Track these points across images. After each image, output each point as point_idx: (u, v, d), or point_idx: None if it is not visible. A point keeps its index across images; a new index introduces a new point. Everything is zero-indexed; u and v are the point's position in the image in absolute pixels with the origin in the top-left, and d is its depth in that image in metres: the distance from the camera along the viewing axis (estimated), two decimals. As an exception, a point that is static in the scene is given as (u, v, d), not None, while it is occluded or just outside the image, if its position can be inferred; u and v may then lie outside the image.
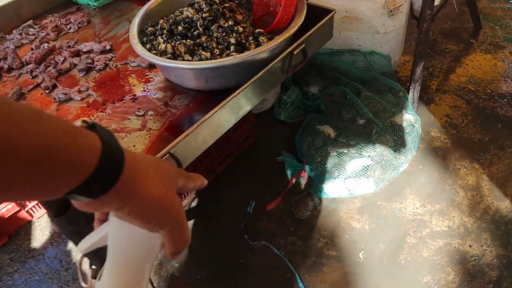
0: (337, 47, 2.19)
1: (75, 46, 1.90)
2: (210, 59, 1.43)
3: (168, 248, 0.53)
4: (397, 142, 1.91)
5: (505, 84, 2.30)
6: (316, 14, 1.70)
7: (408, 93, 2.09)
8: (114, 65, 1.75)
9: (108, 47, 1.85)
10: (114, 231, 0.53)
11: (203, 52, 1.43)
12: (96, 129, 0.47)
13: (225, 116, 1.39)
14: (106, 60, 1.77)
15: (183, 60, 1.43)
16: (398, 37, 2.14)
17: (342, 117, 2.00)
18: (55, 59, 1.85)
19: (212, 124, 1.35)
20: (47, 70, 1.78)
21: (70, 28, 2.01)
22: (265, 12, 1.73)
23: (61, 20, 2.04)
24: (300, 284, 1.59)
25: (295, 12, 1.57)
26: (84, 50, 1.88)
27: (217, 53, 1.44)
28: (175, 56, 1.46)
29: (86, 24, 2.03)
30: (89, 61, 1.78)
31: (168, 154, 1.23)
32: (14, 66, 1.86)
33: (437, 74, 2.42)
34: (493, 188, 1.84)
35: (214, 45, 1.46)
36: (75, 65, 1.78)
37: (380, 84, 2.12)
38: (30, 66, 1.85)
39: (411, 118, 2.01)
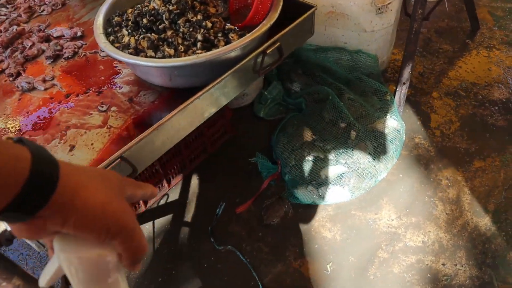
0: (322, 43, 2.08)
1: (45, 31, 1.80)
2: (174, 56, 1.33)
3: (125, 258, 0.50)
4: (378, 149, 1.82)
5: (498, 91, 2.19)
6: (297, 9, 1.59)
7: (394, 95, 1.98)
8: (83, 53, 1.65)
9: (79, 34, 1.76)
10: (63, 257, 0.49)
11: (166, 49, 1.33)
12: (24, 142, 0.44)
13: (186, 119, 1.30)
14: (75, 48, 1.67)
15: (146, 56, 1.34)
16: (387, 36, 2.03)
17: (323, 118, 1.90)
18: (23, 43, 1.75)
19: (170, 127, 1.26)
20: (14, 55, 1.69)
21: (43, 10, 1.91)
22: (242, 4, 1.62)
23: (35, 0, 1.94)
24: (263, 295, 1.54)
25: (271, 7, 1.46)
26: (54, 36, 1.78)
27: (182, 50, 1.34)
28: (137, 51, 1.36)
29: (60, 6, 1.93)
30: (58, 47, 1.69)
31: (120, 159, 1.16)
32: (-19, 49, 1.77)
33: (427, 76, 2.31)
34: (474, 203, 1.75)
35: (180, 41, 1.35)
36: (43, 51, 1.69)
37: (365, 85, 2.02)
38: (-3, 50, 1.76)
39: (395, 124, 1.91)
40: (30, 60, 1.66)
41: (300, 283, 1.57)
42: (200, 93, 1.27)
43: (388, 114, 1.94)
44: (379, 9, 1.85)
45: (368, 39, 1.98)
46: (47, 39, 1.76)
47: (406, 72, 1.94)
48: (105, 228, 0.46)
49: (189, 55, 1.33)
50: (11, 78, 1.59)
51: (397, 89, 1.96)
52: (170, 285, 1.61)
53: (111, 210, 0.47)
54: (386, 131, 1.87)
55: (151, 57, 1.34)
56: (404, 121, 2.03)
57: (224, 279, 1.60)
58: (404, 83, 1.96)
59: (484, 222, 1.69)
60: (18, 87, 1.53)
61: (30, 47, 1.71)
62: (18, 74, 1.60)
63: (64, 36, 1.76)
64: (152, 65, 1.25)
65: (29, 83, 1.54)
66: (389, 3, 1.85)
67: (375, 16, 1.88)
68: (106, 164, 1.11)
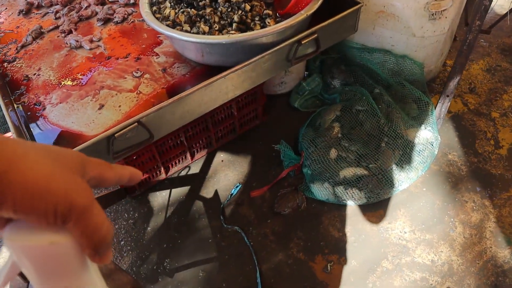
0: (369, 43, 2.03)
1: (104, -6, 1.90)
2: (208, 34, 1.37)
3: (84, 245, 0.41)
4: (403, 158, 1.77)
5: (553, 120, 2.05)
6: (344, 3, 1.57)
7: (436, 107, 1.91)
8: (132, 20, 1.74)
9: (132, 1, 1.84)
10: (12, 248, 0.42)
11: (202, 25, 1.37)
12: None
13: (209, 96, 1.34)
14: (125, 14, 1.76)
15: (181, 29, 1.38)
16: (437, 44, 1.94)
17: (354, 116, 1.87)
18: (81, 3, 1.87)
19: (192, 101, 1.31)
20: (70, 14, 1.80)
21: (106, -27, 2.00)
22: (289, -8, 1.62)
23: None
24: (258, 280, 1.56)
25: (315, -3, 1.45)
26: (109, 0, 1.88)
27: (217, 28, 1.37)
28: (174, 24, 1.41)
29: (124, -29, 2.01)
30: (110, 11, 1.78)
31: (137, 123, 1.22)
32: (43, 4, 1.90)
33: (478, 92, 2.20)
34: (497, 232, 1.68)
35: (216, 19, 1.39)
36: (97, 13, 1.79)
37: (406, 91, 1.96)
38: (57, 7, 1.88)
39: (429, 136, 1.84)
40: (83, 20, 1.77)
41: (297, 276, 1.58)
42: (226, 72, 1.31)
43: (424, 124, 1.87)
44: (433, 15, 1.77)
45: (417, 45, 1.91)
46: (102, 2, 1.86)
47: (452, 85, 1.86)
48: (52, 208, 0.37)
49: (222, 34, 1.36)
50: (63, 35, 1.70)
51: (440, 101, 1.89)
52: (172, 252, 1.68)
53: (57, 186, 0.38)
54: (417, 141, 1.82)
55: (186, 31, 1.38)
56: (442, 135, 1.96)
57: (225, 257, 1.64)
58: (447, 96, 1.88)
59: (504, 254, 1.62)
60: (67, 44, 1.64)
61: (86, 8, 1.82)
62: (70, 32, 1.71)
63: (118, 1, 1.85)
64: (182, 39, 1.29)
65: (77, 41, 1.64)
66: (444, 10, 1.78)
67: (427, 21, 1.81)
68: (124, 125, 1.17)
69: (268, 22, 1.41)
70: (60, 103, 1.39)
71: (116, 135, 1.18)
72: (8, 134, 2.03)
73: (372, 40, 2.01)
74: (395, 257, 1.61)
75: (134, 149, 1.27)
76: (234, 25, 1.38)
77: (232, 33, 1.34)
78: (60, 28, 1.73)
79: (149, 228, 1.75)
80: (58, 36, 1.70)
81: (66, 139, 1.27)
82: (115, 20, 1.73)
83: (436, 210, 1.74)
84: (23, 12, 1.84)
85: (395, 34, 1.91)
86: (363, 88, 1.93)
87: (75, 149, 1.10)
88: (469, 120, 2.08)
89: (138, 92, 1.42)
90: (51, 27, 1.74)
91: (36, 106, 1.38)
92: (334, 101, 2.01)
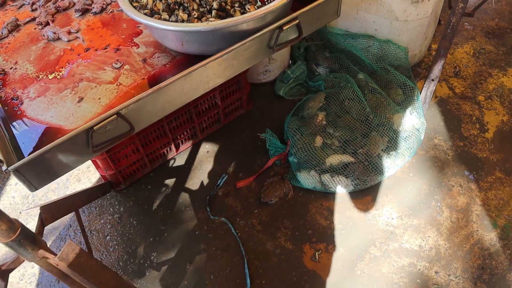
0: (353, 28, 2.02)
1: (81, -16, 1.85)
2: (187, 22, 1.34)
3: None
4: (390, 144, 1.77)
5: (537, 102, 2.06)
6: (328, -12, 1.55)
7: (421, 92, 1.91)
8: (110, 10, 1.70)
9: (110, -10, 1.80)
10: None
11: (180, 13, 1.34)
12: None
13: (190, 85, 1.31)
14: (104, 4, 1.72)
15: (160, 18, 1.35)
16: (421, 28, 1.93)
17: (339, 104, 1.86)
18: (58, -6, 1.81)
19: (172, 91, 1.28)
20: (47, 5, 1.76)
21: (84, -38, 1.96)
22: (270, -23, 1.60)
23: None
24: (246, 271, 1.55)
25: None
26: (88, -11, 1.84)
27: (195, 16, 1.35)
28: (152, 12, 1.38)
29: (102, -40, 1.96)
30: (88, 2, 1.74)
31: (116, 115, 1.19)
32: (19, -5, 1.84)
33: (463, 75, 2.20)
34: (483, 215, 1.69)
35: (195, 6, 1.36)
36: (74, 4, 1.75)
37: (391, 77, 1.95)
38: (34, -3, 1.82)
39: (415, 122, 1.84)
40: (60, 11, 1.72)
41: (285, 265, 1.58)
42: (206, 61, 1.28)
43: (410, 110, 1.87)
44: (416, -2, 1.76)
45: (400, 29, 1.90)
46: (81, -9, 1.82)
47: (437, 69, 1.85)
48: None
49: (201, 22, 1.34)
50: (40, 27, 1.66)
51: (425, 85, 1.88)
52: (159, 245, 1.67)
53: None
54: (403, 127, 1.81)
55: (164, 19, 1.35)
56: (427, 120, 1.96)
57: (212, 249, 1.63)
58: (433, 80, 1.87)
59: (490, 236, 1.63)
60: (45, 36, 1.60)
61: (63, -1, 1.77)
62: (47, 24, 1.67)
63: (97, -10, 1.80)
64: (160, 27, 1.26)
65: (54, 33, 1.60)
66: (427, -6, 1.76)
67: (410, 5, 1.80)
68: (103, 117, 1.15)
69: (248, 8, 1.38)
70: (38, 97, 1.35)
71: (95, 128, 1.15)
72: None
73: (355, 25, 1.99)
74: (383, 243, 1.62)
75: (115, 142, 1.24)
76: (214, 12, 1.36)
77: (211, 20, 1.32)
78: (37, 20, 1.68)
79: (135, 222, 1.73)
80: (35, 29, 1.66)
81: (44, 133, 1.24)
82: (94, 10, 1.69)
83: (423, 195, 1.75)
84: (-2, 4, 1.80)
85: (378, 18, 1.89)
86: (347, 75, 1.91)
87: (53, 143, 1.07)
88: (454, 104, 2.08)
89: (118, 83, 1.39)
90: (27, 19, 1.69)
91: (13, 101, 1.35)
92: (319, 88, 2.00)
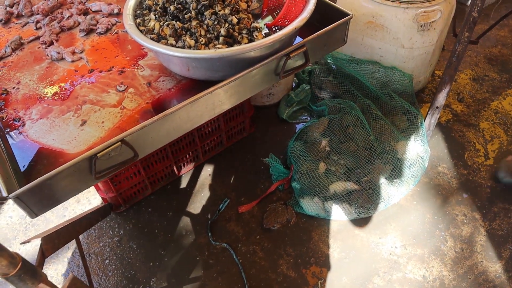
0: (358, 54, 2.02)
1: (85, 4, 1.86)
2: (194, 47, 1.33)
3: None
4: (394, 173, 1.76)
5: (541, 131, 2.06)
6: (333, 15, 1.55)
7: (425, 119, 1.90)
8: (115, 31, 1.69)
9: (116, 11, 1.80)
10: None
11: (187, 39, 1.33)
12: None
13: (195, 112, 1.30)
14: (109, 25, 1.71)
15: (166, 43, 1.34)
16: (426, 55, 1.94)
17: (343, 130, 1.85)
18: (62, 13, 1.81)
19: (178, 118, 1.27)
20: (51, 24, 1.75)
21: (89, -18, 1.96)
22: (277, 4, 1.60)
23: (82, -28, 1.98)
24: (248, 299, 1.53)
25: (303, 10, 1.43)
26: (92, 9, 1.84)
27: (203, 42, 1.33)
28: (159, 37, 1.37)
29: (106, -19, 1.97)
30: (93, 22, 1.73)
31: (120, 142, 1.17)
32: (24, 14, 1.85)
33: (466, 102, 2.20)
34: (487, 245, 1.66)
35: (203, 33, 1.35)
36: (79, 23, 1.74)
37: (395, 103, 1.94)
38: (38, 16, 1.82)
39: (419, 150, 1.83)
40: (65, 31, 1.72)
41: (287, 294, 1.55)
42: (212, 88, 1.27)
43: (414, 137, 1.86)
44: (421, 26, 1.77)
45: (406, 56, 1.90)
46: (85, 12, 1.81)
47: (441, 97, 1.85)
48: None
49: (209, 48, 1.33)
50: (44, 46, 1.65)
51: (429, 113, 1.88)
52: (159, 270, 1.63)
53: None
54: (407, 155, 1.80)
55: (171, 45, 1.34)
56: (431, 146, 1.95)
57: (213, 275, 1.60)
58: (437, 107, 1.87)
59: (495, 268, 1.60)
60: (48, 55, 1.59)
61: (68, 18, 1.77)
62: (51, 43, 1.66)
63: (101, 11, 1.80)
64: (167, 53, 1.25)
65: (58, 53, 1.59)
66: (433, 21, 1.77)
67: (416, 33, 1.80)
68: (107, 144, 1.13)
69: (256, 36, 1.37)
70: (41, 118, 1.33)
71: (98, 155, 1.13)
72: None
73: (361, 51, 1.99)
74: (387, 273, 1.59)
75: (118, 168, 1.22)
76: (221, 38, 1.35)
77: (218, 47, 1.31)
78: (41, 39, 1.67)
79: (134, 246, 1.70)
80: (38, 48, 1.64)
81: (46, 157, 1.22)
82: (98, 31, 1.68)
83: (426, 224, 1.72)
84: (2, 22, 1.78)
85: (384, 45, 1.90)
86: (351, 102, 1.91)
87: (56, 170, 1.05)
88: (458, 131, 2.07)
89: (122, 107, 1.38)
90: (31, 38, 1.68)
91: (15, 122, 1.33)
92: (322, 113, 1.99)
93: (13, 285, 0.86)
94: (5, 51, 1.61)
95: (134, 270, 1.64)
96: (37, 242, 1.75)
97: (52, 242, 1.11)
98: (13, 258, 0.82)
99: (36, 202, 1.09)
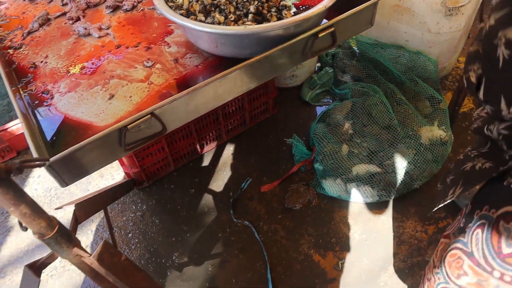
0: (383, 37, 1.97)
1: (112, -20, 1.84)
2: (223, 24, 1.32)
3: None
4: (416, 157, 1.73)
5: None
6: (362, -3, 1.53)
7: (449, 105, 1.87)
8: (141, 8, 1.68)
9: (143, -12, 1.79)
10: None
11: (217, 15, 1.31)
12: None
13: (223, 88, 1.29)
14: (135, 1, 1.70)
15: (195, 19, 1.33)
16: (453, 41, 1.89)
17: (366, 114, 1.83)
18: (89, -10, 1.81)
19: (206, 93, 1.26)
20: (77, 0, 1.75)
21: (118, -42, 1.94)
22: (308, -17, 1.57)
23: None
24: (268, 276, 1.52)
25: (333, -10, 1.40)
26: (118, -14, 1.82)
27: (232, 19, 1.31)
28: (188, 13, 1.36)
29: (136, -44, 1.95)
30: (120, -1, 1.73)
31: (150, 115, 1.18)
32: (49, -10, 1.84)
33: (491, 91, 2.15)
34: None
35: (232, 9, 1.33)
36: (105, 0, 1.74)
37: (419, 89, 1.91)
38: (64, -8, 1.82)
39: (443, 135, 1.80)
40: (91, 7, 1.71)
41: (308, 273, 1.53)
42: (241, 65, 1.26)
43: (437, 123, 1.83)
44: (449, 10, 1.72)
45: (431, 41, 1.86)
46: (111, -11, 1.81)
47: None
48: None
49: (238, 25, 1.32)
50: (70, 22, 1.64)
51: (453, 99, 1.84)
52: (181, 245, 1.63)
53: None
54: (430, 140, 1.77)
55: (200, 21, 1.33)
56: (455, 133, 1.91)
57: (235, 252, 1.60)
58: (461, 94, 1.84)
59: (516, 254, 1.58)
60: (75, 31, 1.58)
61: (93, -5, 1.77)
62: (77, 19, 1.65)
63: (127, -12, 1.79)
64: (198, 29, 1.23)
65: (85, 28, 1.58)
66: (461, 6, 1.72)
67: (443, 17, 1.75)
68: (137, 117, 1.13)
69: (285, 14, 1.35)
70: (69, 92, 1.33)
71: (128, 126, 1.13)
72: (15, 122, 1.99)
73: (386, 35, 1.95)
74: (407, 256, 1.57)
75: (146, 141, 1.22)
76: (250, 15, 1.33)
77: (248, 24, 1.30)
78: (68, 15, 1.67)
79: (157, 221, 1.71)
80: (65, 23, 1.64)
81: (75, 129, 1.22)
82: (124, 7, 1.67)
83: (450, 209, 1.68)
84: (29, -2, 1.79)
85: (410, 29, 1.85)
86: (375, 86, 1.88)
87: (87, 140, 1.06)
88: (481, 118, 2.03)
89: (150, 82, 1.37)
90: (58, 14, 1.67)
91: (44, 95, 1.33)
92: (345, 96, 1.96)
93: (49, 247, 0.87)
94: (33, 26, 1.61)
95: (157, 244, 1.65)
96: (63, 214, 1.78)
97: (84, 210, 1.12)
98: (51, 221, 0.82)
99: (67, 172, 1.09)
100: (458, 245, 0.85)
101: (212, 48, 1.37)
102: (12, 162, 0.67)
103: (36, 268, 0.91)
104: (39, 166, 0.67)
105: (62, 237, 0.86)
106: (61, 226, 0.86)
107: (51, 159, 1.01)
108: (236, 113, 1.85)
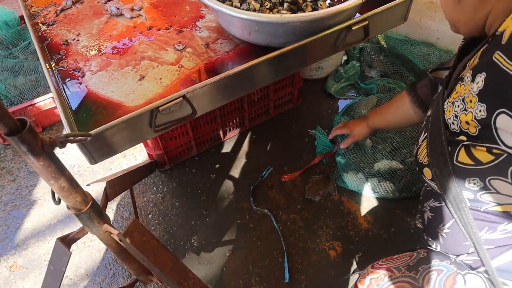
0: (413, 34, 1.94)
1: (145, -39, 1.83)
2: (258, 11, 1.31)
3: None
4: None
5: None
6: (398, -7, 1.50)
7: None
8: (174, -10, 1.68)
9: (176, -29, 1.77)
10: None
11: (253, 2, 1.30)
12: None
13: (255, 76, 1.28)
14: (167, -16, 1.70)
15: (231, 4, 1.33)
16: (485, 41, 1.85)
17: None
18: (122, -31, 1.80)
19: (237, 80, 1.25)
20: (110, -21, 1.75)
21: None
22: (343, -26, 1.55)
23: None
24: (286, 264, 1.53)
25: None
26: (151, -32, 1.81)
27: (268, 6, 1.30)
28: (223, -2, 1.35)
29: None
30: (153, -20, 1.72)
31: (182, 97, 1.18)
32: (82, -30, 1.84)
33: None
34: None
35: (268, -3, 1.33)
36: (138, -19, 1.73)
37: (447, 87, 1.88)
38: (96, -28, 1.81)
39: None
40: (124, -13, 1.71)
41: (324, 264, 1.52)
42: (276, 52, 1.25)
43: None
44: (485, 9, 1.69)
45: (464, 40, 1.83)
46: (144, -30, 1.80)
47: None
48: None
49: (273, 13, 1.31)
50: (103, 1, 1.65)
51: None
52: (200, 229, 1.63)
53: None
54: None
55: (236, 7, 1.32)
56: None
57: (252, 239, 1.59)
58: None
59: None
60: (108, 10, 1.58)
61: (126, -25, 1.76)
62: (111, -2, 1.66)
63: (161, -30, 1.78)
64: (233, 15, 1.22)
65: (118, 8, 1.58)
66: (498, 5, 1.68)
67: (478, 16, 1.72)
68: (169, 99, 1.13)
69: (320, 5, 1.34)
70: (100, 71, 1.33)
71: (160, 108, 1.13)
72: (42, 98, 2.01)
73: (417, 31, 1.92)
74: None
75: (176, 124, 1.22)
76: (286, 4, 1.31)
77: (283, 13, 1.29)
78: (100, -7, 1.68)
79: (177, 204, 1.72)
80: (98, 2, 1.64)
81: (105, 108, 1.23)
82: (157, -11, 1.68)
83: (469, 210, 1.69)
84: (62, -24, 1.79)
85: (442, 27, 1.81)
86: (401, 82, 1.86)
87: (119, 119, 1.07)
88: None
89: (180, 65, 1.36)
90: (90, -8, 1.69)
91: (75, 72, 1.34)
92: (371, 91, 1.92)
93: (82, 222, 0.88)
94: (66, 3, 1.61)
95: (176, 226, 1.65)
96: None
97: (114, 187, 1.13)
98: (86, 196, 0.83)
99: (97, 149, 1.10)
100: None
101: (245, 35, 1.35)
102: (57, 136, 0.67)
103: (67, 242, 0.92)
104: (82, 141, 0.67)
105: (94, 213, 0.87)
106: (94, 202, 0.87)
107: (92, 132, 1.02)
108: (261, 101, 1.84)
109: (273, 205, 1.68)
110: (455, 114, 0.80)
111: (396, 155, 1.68)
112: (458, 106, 0.78)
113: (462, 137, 0.77)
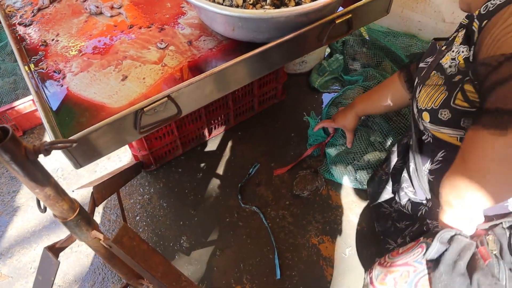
0: (395, 26, 1.95)
1: (125, -42, 1.79)
2: (241, 7, 1.29)
3: None
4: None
5: None
6: (378, -16, 1.50)
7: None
8: (154, -12, 1.64)
9: (155, -32, 1.74)
10: None
11: (235, -3, 1.29)
12: None
13: (240, 72, 1.27)
14: (148, -20, 1.66)
15: (213, 1, 1.31)
16: (467, 31, 1.87)
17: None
18: (99, -32, 1.76)
19: (223, 77, 1.23)
20: (89, -24, 1.70)
21: None
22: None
23: None
24: (276, 261, 1.52)
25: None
26: (131, -35, 1.77)
27: (250, 2, 1.28)
28: (206, -6, 1.32)
29: None
30: (132, -23, 1.68)
31: (167, 98, 1.16)
32: (59, -32, 1.79)
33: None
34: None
35: (251, -8, 1.31)
36: (117, -22, 1.69)
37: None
38: (74, -30, 1.77)
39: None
40: (103, -16, 1.67)
41: (315, 259, 1.53)
42: (261, 48, 1.24)
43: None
44: None
45: (445, 31, 1.83)
46: (123, -33, 1.76)
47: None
48: None
49: (256, 9, 1.29)
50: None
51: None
52: (189, 230, 1.61)
53: None
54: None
55: (218, 3, 1.30)
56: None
57: (242, 237, 1.58)
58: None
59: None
60: (87, 9, 1.54)
61: (105, -28, 1.72)
62: (90, -3, 1.62)
63: (140, -33, 1.75)
64: (216, 11, 1.20)
65: (97, 7, 1.54)
66: (478, -4, 1.70)
67: (459, 7, 1.74)
68: (153, 99, 1.11)
69: (304, 0, 1.33)
70: (81, 72, 1.30)
71: (145, 109, 1.11)
72: (21, 101, 1.95)
73: (399, 23, 1.92)
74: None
75: (161, 124, 1.19)
76: (268, 0, 1.31)
77: (267, 8, 1.27)
78: (79, -8, 1.64)
79: (165, 204, 1.70)
80: (76, 1, 1.60)
81: (87, 110, 1.20)
82: (136, -14, 1.64)
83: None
84: (39, -26, 1.74)
85: (424, 18, 1.82)
86: (386, 73, 1.86)
87: (103, 122, 1.04)
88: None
89: (163, 64, 1.34)
90: (68, -10, 1.64)
91: (55, 74, 1.30)
92: (355, 83, 1.94)
93: (69, 229, 0.85)
94: (43, 2, 1.56)
95: (164, 227, 1.63)
96: (74, 196, 1.75)
97: (101, 192, 1.10)
98: (73, 204, 0.81)
99: (81, 153, 1.07)
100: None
101: (228, 31, 1.34)
102: (41, 143, 0.65)
103: (55, 251, 0.90)
104: (67, 147, 0.65)
105: (82, 220, 0.85)
106: (81, 209, 0.85)
107: (74, 136, 0.99)
108: (245, 98, 1.83)
109: (261, 202, 1.67)
110: (451, 58, 0.96)
111: (385, 143, 1.69)
112: (453, 51, 0.97)
113: (459, 76, 0.91)
